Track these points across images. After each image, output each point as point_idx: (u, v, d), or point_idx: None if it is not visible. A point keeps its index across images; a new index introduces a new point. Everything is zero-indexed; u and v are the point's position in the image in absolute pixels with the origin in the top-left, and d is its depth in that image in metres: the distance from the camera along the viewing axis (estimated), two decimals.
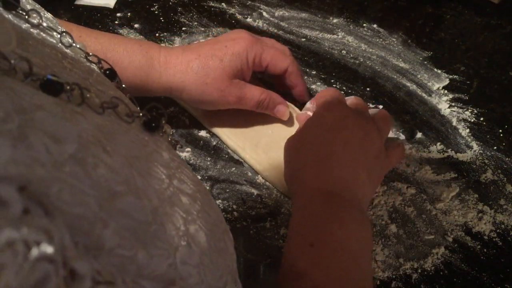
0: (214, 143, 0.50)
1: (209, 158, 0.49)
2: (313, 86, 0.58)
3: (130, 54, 0.43)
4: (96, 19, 0.64)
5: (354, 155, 0.39)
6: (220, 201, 0.45)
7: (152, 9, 0.68)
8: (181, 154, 0.48)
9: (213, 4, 0.70)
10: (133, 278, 0.13)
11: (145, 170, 0.17)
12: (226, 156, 0.49)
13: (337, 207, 0.36)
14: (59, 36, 0.25)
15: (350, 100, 0.46)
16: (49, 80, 0.16)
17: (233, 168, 0.48)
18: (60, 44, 0.24)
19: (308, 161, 0.39)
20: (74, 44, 0.26)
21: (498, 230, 0.44)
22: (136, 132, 0.20)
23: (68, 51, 0.24)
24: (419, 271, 0.41)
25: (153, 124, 0.22)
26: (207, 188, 0.46)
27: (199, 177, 0.47)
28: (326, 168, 0.38)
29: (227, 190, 0.46)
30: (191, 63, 0.43)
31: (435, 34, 0.69)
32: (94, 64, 0.27)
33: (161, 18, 0.66)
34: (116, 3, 0.67)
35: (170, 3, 0.69)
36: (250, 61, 0.45)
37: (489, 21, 0.71)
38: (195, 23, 0.66)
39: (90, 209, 0.12)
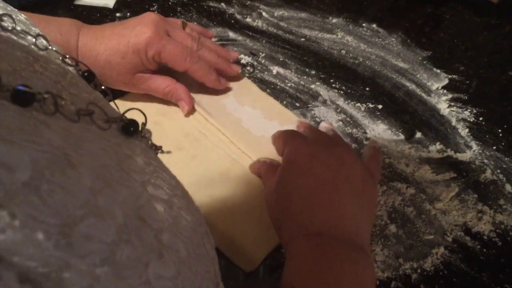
0: None
1: None
2: (313, 86, 0.58)
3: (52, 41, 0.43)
4: (96, 19, 0.64)
5: (334, 191, 0.37)
6: None
7: (151, 9, 0.68)
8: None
9: (212, 4, 0.70)
10: None
11: (115, 180, 0.16)
12: None
13: (325, 250, 0.33)
14: (34, 39, 0.24)
15: (314, 133, 0.44)
16: (19, 91, 0.15)
17: None
18: (33, 46, 0.24)
19: (289, 214, 0.37)
20: (50, 47, 0.25)
21: (497, 230, 0.44)
22: (109, 137, 0.19)
23: (42, 53, 0.24)
24: (419, 271, 0.41)
25: (131, 129, 0.22)
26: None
27: None
28: (307, 215, 0.36)
29: None
30: (99, 57, 0.46)
31: (435, 34, 0.69)
32: (70, 67, 0.26)
33: None
34: (115, 3, 0.67)
35: (170, 3, 0.69)
36: (149, 58, 0.46)
37: (488, 21, 0.71)
38: (195, 23, 0.66)
39: (47, 258, 0.11)
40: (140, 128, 0.23)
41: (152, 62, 0.47)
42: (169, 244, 0.17)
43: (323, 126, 0.47)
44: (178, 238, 0.18)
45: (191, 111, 0.51)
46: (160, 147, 0.27)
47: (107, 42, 0.45)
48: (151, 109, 0.51)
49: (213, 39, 0.61)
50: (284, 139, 0.43)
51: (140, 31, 0.45)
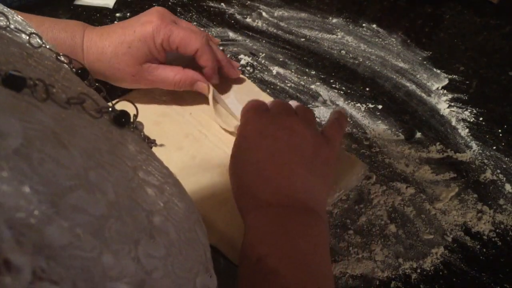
0: None
1: None
2: (313, 86, 0.58)
3: (58, 41, 0.44)
4: (95, 19, 0.64)
5: (282, 162, 0.37)
6: None
7: None
8: None
9: (212, 4, 0.70)
10: (99, 281, 0.13)
11: (107, 162, 0.16)
12: None
13: (277, 218, 0.35)
14: (27, 37, 0.24)
15: (269, 104, 0.44)
16: (11, 75, 0.16)
17: None
18: (27, 45, 0.24)
19: (242, 188, 0.38)
20: (43, 45, 0.25)
21: (497, 230, 0.44)
22: (102, 126, 0.20)
23: (36, 50, 0.24)
24: (419, 271, 0.41)
25: (123, 120, 0.22)
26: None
27: None
28: (258, 189, 0.37)
29: None
30: (105, 49, 0.45)
31: (435, 34, 0.69)
32: (64, 64, 0.27)
33: None
34: (115, 3, 0.67)
35: (170, 3, 0.69)
36: (158, 45, 0.45)
37: (488, 21, 0.71)
38: (195, 23, 0.66)
39: (31, 210, 0.12)
40: (131, 120, 0.23)
41: (161, 50, 0.46)
42: (160, 226, 0.17)
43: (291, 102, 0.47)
44: (169, 221, 0.18)
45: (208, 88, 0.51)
46: (154, 140, 0.27)
47: (112, 35, 0.45)
48: (151, 109, 0.51)
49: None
50: (242, 110, 0.44)
51: (146, 20, 0.45)
